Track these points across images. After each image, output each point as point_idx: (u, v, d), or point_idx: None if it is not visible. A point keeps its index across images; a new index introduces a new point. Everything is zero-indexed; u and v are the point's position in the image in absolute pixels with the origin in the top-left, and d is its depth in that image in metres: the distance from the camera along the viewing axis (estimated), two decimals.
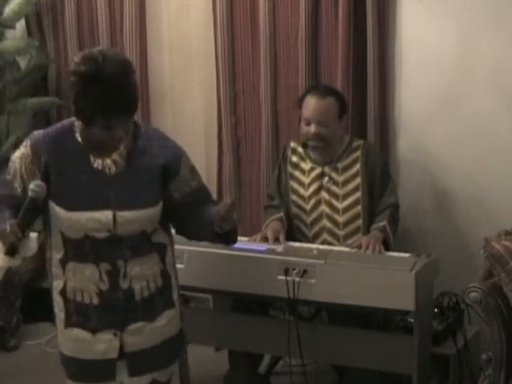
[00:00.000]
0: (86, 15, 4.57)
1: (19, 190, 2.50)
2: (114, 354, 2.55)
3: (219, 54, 4.20)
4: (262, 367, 3.79)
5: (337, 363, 3.63)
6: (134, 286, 2.53)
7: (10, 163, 2.57)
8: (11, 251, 2.34)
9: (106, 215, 2.46)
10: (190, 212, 2.60)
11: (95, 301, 2.54)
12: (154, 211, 2.52)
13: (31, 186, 2.39)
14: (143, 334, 2.56)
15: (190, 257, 3.33)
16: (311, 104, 3.58)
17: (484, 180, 3.78)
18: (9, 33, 4.71)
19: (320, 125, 3.56)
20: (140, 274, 2.54)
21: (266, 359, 3.83)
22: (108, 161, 2.48)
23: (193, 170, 2.62)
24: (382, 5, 3.81)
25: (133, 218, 2.48)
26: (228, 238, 2.63)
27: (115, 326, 2.55)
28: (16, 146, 4.57)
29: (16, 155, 2.56)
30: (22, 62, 4.78)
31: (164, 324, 2.60)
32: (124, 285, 2.53)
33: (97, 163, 2.48)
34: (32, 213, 2.39)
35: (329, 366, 3.79)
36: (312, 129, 3.57)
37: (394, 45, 3.88)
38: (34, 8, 4.68)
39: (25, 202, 2.38)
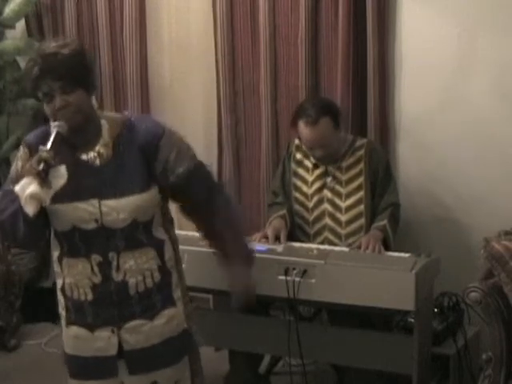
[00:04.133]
0: (85, 15, 4.57)
1: None
2: (113, 351, 2.54)
3: (219, 54, 4.20)
4: (262, 367, 3.79)
5: (337, 363, 3.62)
6: (129, 279, 2.51)
7: (11, 171, 2.57)
8: (44, 178, 2.33)
9: (92, 204, 2.45)
10: (191, 195, 2.56)
11: (89, 296, 2.53)
12: (142, 198, 2.48)
13: (54, 124, 2.41)
14: (142, 333, 2.55)
15: (190, 257, 3.33)
16: (306, 133, 3.54)
17: (484, 180, 3.78)
18: (9, 33, 4.72)
19: (322, 148, 3.56)
20: (135, 268, 2.51)
21: (266, 359, 3.83)
22: (92, 153, 2.48)
23: (182, 149, 2.54)
24: (382, 5, 3.80)
25: (118, 206, 2.45)
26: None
27: (112, 322, 2.53)
28: (16, 146, 4.64)
29: (15, 162, 2.57)
30: (22, 62, 4.78)
31: (163, 323, 2.57)
32: (117, 277, 2.51)
33: (83, 155, 2.48)
34: (58, 146, 2.38)
35: (329, 366, 3.79)
36: (316, 153, 3.58)
37: (393, 45, 3.88)
38: (34, 8, 4.68)
39: (50, 137, 2.39)
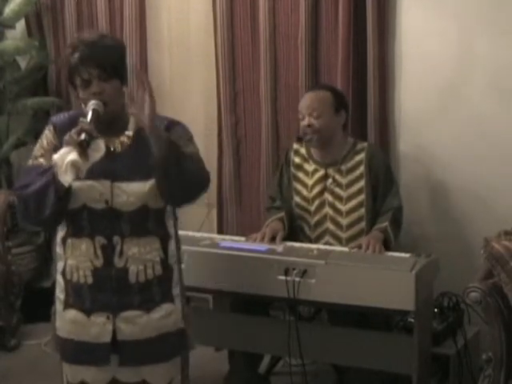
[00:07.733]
0: (85, 15, 4.57)
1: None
2: (106, 339, 2.55)
3: (219, 54, 4.20)
4: (262, 367, 3.79)
5: (337, 363, 3.63)
6: (130, 266, 2.53)
7: (36, 147, 2.60)
8: (84, 149, 2.34)
9: (104, 184, 2.50)
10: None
11: (89, 280, 2.54)
12: (152, 185, 2.52)
13: (91, 102, 2.46)
14: (137, 325, 2.55)
15: (190, 257, 3.33)
16: (304, 98, 3.64)
17: (484, 180, 3.78)
18: (9, 33, 4.72)
19: (311, 115, 3.56)
20: (137, 256, 2.53)
21: (266, 359, 3.83)
22: (115, 143, 2.55)
23: (186, 140, 2.66)
24: (382, 5, 3.81)
25: (128, 190, 2.50)
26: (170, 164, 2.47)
27: (108, 308, 2.54)
28: (16, 146, 4.65)
29: (40, 140, 2.60)
30: (22, 62, 4.78)
31: (160, 317, 2.58)
32: (119, 263, 2.52)
33: (107, 143, 2.52)
34: (94, 123, 2.41)
35: (329, 365, 3.79)
36: (305, 121, 3.58)
37: (393, 45, 3.89)
38: (34, 8, 4.68)
39: (88, 116, 2.43)
